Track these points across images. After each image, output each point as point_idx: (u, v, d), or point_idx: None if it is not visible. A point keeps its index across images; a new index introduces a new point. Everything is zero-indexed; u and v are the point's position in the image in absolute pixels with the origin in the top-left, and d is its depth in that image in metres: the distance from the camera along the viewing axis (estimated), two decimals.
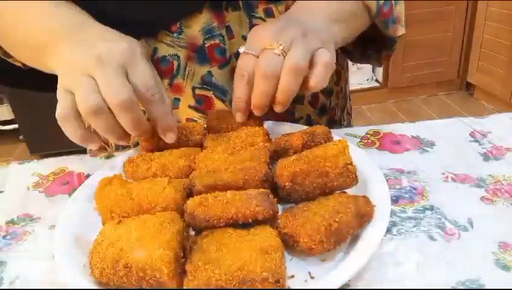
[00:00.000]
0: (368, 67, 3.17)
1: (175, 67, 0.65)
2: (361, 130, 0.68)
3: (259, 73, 0.50)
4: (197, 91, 0.67)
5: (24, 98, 2.47)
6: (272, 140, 0.58)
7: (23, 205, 0.58)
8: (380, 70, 3.13)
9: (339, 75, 0.78)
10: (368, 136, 0.67)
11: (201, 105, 0.67)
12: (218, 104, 0.67)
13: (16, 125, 2.74)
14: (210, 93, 0.67)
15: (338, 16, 0.59)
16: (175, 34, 0.64)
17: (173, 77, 0.66)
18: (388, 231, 0.46)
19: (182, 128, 0.58)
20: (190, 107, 0.68)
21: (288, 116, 0.70)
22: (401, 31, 0.69)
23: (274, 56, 0.50)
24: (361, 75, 3.15)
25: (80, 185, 0.55)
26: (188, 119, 0.69)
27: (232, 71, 0.62)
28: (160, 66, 0.65)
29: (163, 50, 0.65)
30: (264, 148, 0.53)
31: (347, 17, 0.61)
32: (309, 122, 0.73)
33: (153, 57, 0.65)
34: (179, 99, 0.68)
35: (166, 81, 0.66)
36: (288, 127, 0.62)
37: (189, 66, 0.66)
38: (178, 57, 0.65)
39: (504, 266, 0.41)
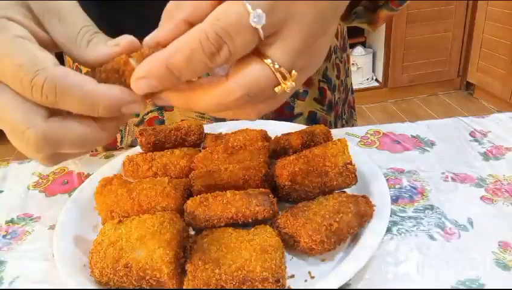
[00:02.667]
0: (368, 66, 3.17)
1: None
2: (361, 130, 0.68)
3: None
4: None
5: None
6: (271, 139, 0.58)
7: (23, 204, 0.58)
8: (380, 70, 3.13)
9: (338, 67, 0.77)
10: (368, 135, 0.67)
11: None
12: None
13: None
14: None
15: None
16: None
17: None
18: (388, 230, 0.46)
19: (179, 128, 0.58)
20: None
21: (286, 111, 0.69)
22: None
23: (268, 75, 0.31)
24: (361, 75, 3.15)
25: (79, 184, 0.55)
26: (183, 120, 0.68)
27: None
28: None
29: None
30: (263, 148, 0.53)
31: None
32: (314, 119, 0.72)
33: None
34: None
35: None
36: (287, 127, 0.62)
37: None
38: None
39: (504, 266, 0.41)
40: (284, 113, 0.69)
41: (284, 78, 0.31)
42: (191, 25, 0.30)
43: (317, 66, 0.35)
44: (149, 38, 0.31)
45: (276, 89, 0.31)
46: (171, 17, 0.31)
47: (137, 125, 0.70)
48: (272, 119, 0.69)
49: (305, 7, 0.30)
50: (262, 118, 0.68)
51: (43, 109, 0.30)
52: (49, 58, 0.29)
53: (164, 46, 0.30)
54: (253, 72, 0.30)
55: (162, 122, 0.69)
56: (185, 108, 0.30)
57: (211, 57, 0.28)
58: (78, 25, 0.31)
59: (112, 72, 0.31)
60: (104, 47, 0.31)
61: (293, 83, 0.31)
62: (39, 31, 0.31)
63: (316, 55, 0.34)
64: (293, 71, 0.31)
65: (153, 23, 0.33)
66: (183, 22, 0.30)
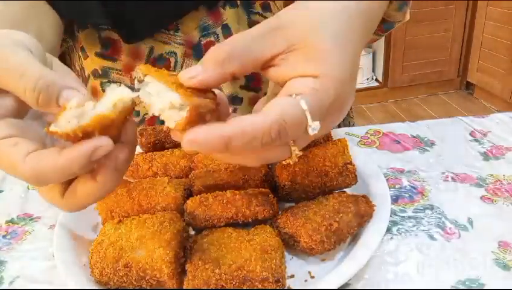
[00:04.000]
0: (368, 67, 3.17)
1: (172, 64, 0.65)
2: (361, 130, 0.68)
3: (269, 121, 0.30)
4: None
5: None
6: None
7: (23, 204, 0.58)
8: (380, 70, 3.13)
9: None
10: (368, 135, 0.67)
11: None
12: None
13: None
14: None
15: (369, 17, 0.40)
16: (171, 32, 0.63)
17: None
18: (388, 230, 0.46)
19: None
20: None
21: None
22: (407, 16, 0.59)
23: (299, 112, 0.31)
24: (361, 75, 3.14)
25: None
26: None
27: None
28: (158, 65, 0.65)
29: (159, 48, 0.65)
30: None
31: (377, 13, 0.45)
32: None
33: (149, 56, 0.65)
34: None
35: None
36: None
37: (187, 62, 0.65)
38: (175, 54, 0.65)
39: (504, 266, 0.41)
40: None
41: (295, 157, 0.33)
42: (233, 77, 0.32)
43: (340, 120, 0.37)
44: (190, 76, 0.31)
45: (284, 162, 0.33)
46: (219, 65, 0.31)
47: (137, 124, 0.70)
48: None
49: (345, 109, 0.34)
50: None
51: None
52: (17, 153, 0.30)
53: (195, 87, 0.31)
54: (288, 106, 0.30)
55: (163, 121, 0.69)
56: (220, 152, 0.32)
57: (264, 145, 0.30)
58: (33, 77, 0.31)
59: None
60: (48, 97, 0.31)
61: (315, 131, 0.32)
62: (4, 104, 0.32)
63: (342, 115, 0.36)
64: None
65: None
66: (230, 75, 0.32)
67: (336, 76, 0.32)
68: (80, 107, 0.31)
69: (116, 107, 0.31)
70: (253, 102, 0.69)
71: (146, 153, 0.57)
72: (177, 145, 0.58)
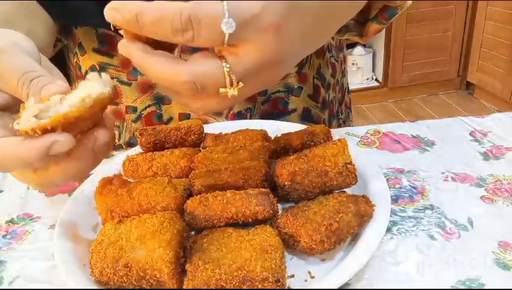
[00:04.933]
0: (368, 66, 3.17)
1: None
2: (361, 130, 0.68)
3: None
4: None
5: None
6: (271, 139, 0.58)
7: (23, 204, 0.58)
8: (380, 70, 3.13)
9: (334, 66, 0.77)
10: (368, 135, 0.67)
11: None
12: None
13: None
14: None
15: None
16: None
17: None
18: (388, 230, 0.46)
19: (179, 128, 0.58)
20: None
21: (281, 106, 0.70)
22: (409, 1, 0.57)
23: (218, 73, 0.32)
24: (361, 75, 3.15)
25: (79, 184, 0.55)
26: (181, 114, 0.68)
27: None
28: None
29: None
30: (263, 148, 0.53)
31: None
32: (308, 116, 0.72)
33: None
34: None
35: None
36: (287, 126, 0.62)
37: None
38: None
39: (504, 266, 0.41)
40: (278, 108, 0.70)
41: (231, 84, 0.32)
42: None
43: (266, 88, 0.37)
44: None
45: (221, 90, 0.33)
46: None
47: (134, 121, 0.70)
48: (266, 114, 0.69)
49: (271, 38, 0.32)
50: (261, 117, 0.69)
51: None
52: None
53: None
54: (207, 64, 0.32)
55: (160, 116, 0.69)
56: (137, 65, 0.33)
57: (174, 32, 0.30)
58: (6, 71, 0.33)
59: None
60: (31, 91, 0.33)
61: (236, 92, 0.33)
62: None
63: (266, 79, 0.36)
64: (240, 83, 0.33)
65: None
66: None
67: None
68: (44, 101, 0.31)
69: (85, 102, 0.31)
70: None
71: (146, 153, 0.57)
72: (177, 145, 0.58)
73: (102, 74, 0.33)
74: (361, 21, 0.61)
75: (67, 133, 0.31)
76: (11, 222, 0.55)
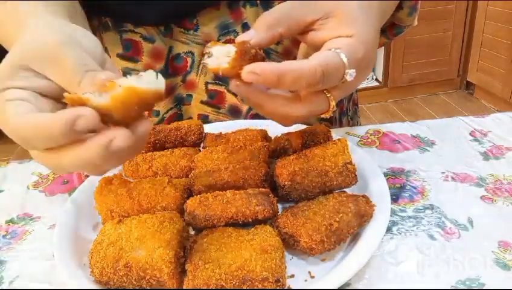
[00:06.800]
0: None
1: (189, 64, 0.67)
2: (361, 130, 0.68)
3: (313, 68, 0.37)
4: (210, 86, 0.68)
5: None
6: (271, 139, 0.58)
7: (22, 204, 0.58)
8: (380, 70, 3.13)
9: None
10: (368, 135, 0.67)
11: (213, 100, 0.69)
12: (230, 98, 0.68)
13: None
14: (222, 88, 0.68)
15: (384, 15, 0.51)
16: (190, 31, 0.65)
17: (187, 73, 0.68)
18: (388, 230, 0.46)
19: (179, 128, 0.58)
20: (202, 102, 0.69)
21: None
22: (415, 21, 0.65)
23: (340, 61, 0.38)
24: None
25: (79, 184, 0.55)
26: (199, 115, 0.70)
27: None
28: (175, 64, 0.67)
29: (178, 48, 0.66)
30: (263, 148, 0.53)
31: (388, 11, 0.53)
32: None
33: (168, 55, 0.66)
34: (191, 96, 0.69)
35: (179, 78, 0.68)
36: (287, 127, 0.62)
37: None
38: (192, 53, 0.66)
39: (504, 265, 0.41)
40: None
41: (332, 109, 0.40)
42: (280, 37, 0.40)
43: (367, 75, 0.46)
44: (247, 37, 0.39)
45: (323, 115, 0.41)
46: (269, 28, 0.39)
47: (157, 124, 0.71)
48: None
49: (368, 71, 0.43)
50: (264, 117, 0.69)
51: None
52: (22, 110, 0.33)
53: (241, 50, 0.37)
54: (320, 102, 0.40)
55: (180, 116, 0.71)
56: (255, 105, 0.40)
57: (308, 86, 0.36)
58: (69, 67, 0.34)
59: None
60: (88, 85, 0.33)
61: (331, 114, 0.41)
62: (40, 83, 0.35)
63: (368, 71, 0.44)
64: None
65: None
66: (278, 35, 0.40)
67: (364, 37, 0.39)
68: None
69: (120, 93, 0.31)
70: None
71: (146, 153, 0.57)
72: (177, 145, 0.58)
73: (159, 74, 0.32)
74: None
75: (94, 111, 0.31)
76: (11, 222, 0.55)
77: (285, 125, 0.44)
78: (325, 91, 0.40)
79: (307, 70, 0.36)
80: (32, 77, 0.35)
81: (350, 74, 0.38)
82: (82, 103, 0.31)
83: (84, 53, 0.35)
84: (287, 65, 0.36)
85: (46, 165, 0.35)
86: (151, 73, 0.31)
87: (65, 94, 0.32)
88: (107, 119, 0.31)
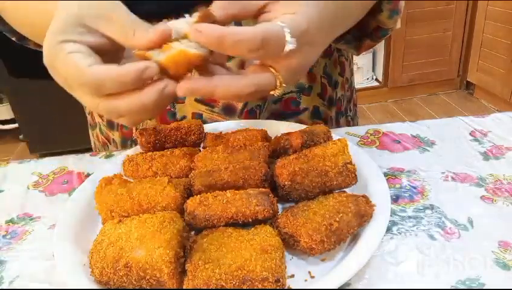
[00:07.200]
0: (368, 66, 3.17)
1: None
2: (361, 130, 0.68)
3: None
4: None
5: (24, 98, 2.47)
6: (271, 139, 0.58)
7: (22, 204, 0.58)
8: (380, 70, 3.13)
9: (343, 66, 0.79)
10: (368, 135, 0.67)
11: (207, 98, 0.68)
12: None
13: (16, 125, 2.74)
14: None
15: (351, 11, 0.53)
16: None
17: None
18: (388, 230, 0.46)
19: (179, 128, 0.58)
20: (196, 100, 0.69)
21: (293, 106, 0.71)
22: (398, 24, 0.68)
23: (273, 82, 0.42)
24: (361, 75, 3.14)
25: (79, 184, 0.55)
26: (194, 114, 0.69)
27: (240, 64, 0.63)
28: None
29: None
30: (263, 148, 0.53)
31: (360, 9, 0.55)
32: (317, 113, 0.74)
33: None
34: None
35: None
36: (287, 126, 0.62)
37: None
38: None
39: (504, 265, 0.41)
40: (290, 108, 0.71)
41: (279, 86, 0.42)
42: (234, 18, 0.42)
43: (309, 61, 0.46)
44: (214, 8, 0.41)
45: (272, 92, 0.43)
46: (224, 9, 0.42)
47: (150, 119, 0.71)
48: (277, 113, 0.70)
49: (312, 48, 0.44)
50: (272, 116, 0.71)
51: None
52: (86, 61, 0.38)
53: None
54: (265, 77, 0.41)
55: (174, 114, 0.71)
56: (207, 96, 0.44)
57: (249, 51, 0.38)
58: (123, 22, 0.40)
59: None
60: (143, 36, 0.39)
61: (280, 92, 0.43)
62: (92, 39, 0.40)
63: (299, 77, 0.48)
64: (283, 84, 0.42)
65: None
66: (231, 16, 0.42)
67: (307, 15, 0.41)
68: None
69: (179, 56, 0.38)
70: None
71: (146, 153, 0.57)
72: (177, 145, 0.58)
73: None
74: (357, 36, 0.68)
75: (156, 64, 0.38)
76: (11, 222, 0.55)
77: (240, 102, 0.50)
78: (270, 67, 0.42)
79: (246, 35, 0.37)
80: (86, 33, 0.40)
81: (291, 43, 0.39)
82: (146, 58, 0.39)
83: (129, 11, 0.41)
84: (229, 28, 0.37)
85: (102, 111, 0.40)
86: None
87: (134, 51, 0.40)
88: (162, 73, 0.39)
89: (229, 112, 0.69)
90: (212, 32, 0.37)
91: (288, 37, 0.39)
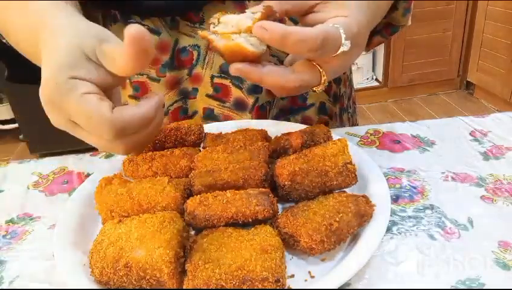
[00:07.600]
0: (368, 66, 3.17)
1: (195, 57, 0.67)
2: (361, 130, 0.68)
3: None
4: (215, 80, 0.68)
5: (24, 98, 2.46)
6: (271, 139, 0.58)
7: (22, 204, 0.58)
8: (380, 70, 3.13)
9: None
10: (368, 135, 0.67)
11: (219, 93, 0.69)
12: (235, 92, 0.69)
13: (16, 125, 2.74)
14: (227, 82, 0.68)
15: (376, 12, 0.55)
16: (197, 24, 0.65)
17: (192, 66, 0.68)
18: (388, 230, 0.46)
19: (179, 128, 0.58)
20: (207, 95, 0.69)
21: (300, 101, 0.72)
22: (410, 21, 0.70)
23: (318, 80, 0.45)
24: (361, 75, 3.15)
25: (79, 184, 0.55)
26: (205, 109, 0.70)
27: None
28: (180, 57, 0.67)
29: (184, 41, 0.66)
30: (263, 148, 0.53)
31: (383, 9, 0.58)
32: (323, 109, 0.74)
33: (174, 48, 0.67)
34: (196, 89, 0.69)
35: (185, 71, 0.68)
36: (287, 126, 0.62)
37: (209, 55, 0.67)
38: (198, 47, 0.67)
39: (504, 265, 0.41)
40: (297, 103, 0.72)
41: (323, 84, 0.46)
42: (286, 13, 0.46)
43: (358, 55, 0.48)
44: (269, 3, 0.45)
45: (315, 88, 0.46)
46: (279, 4, 0.45)
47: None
48: (285, 108, 0.71)
49: (360, 49, 0.48)
50: (280, 111, 0.71)
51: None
52: (106, 106, 0.38)
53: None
54: (312, 74, 0.44)
55: (186, 110, 0.71)
56: (255, 81, 0.44)
57: (308, 50, 0.40)
58: (113, 54, 0.39)
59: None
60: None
61: (321, 88, 0.46)
62: (97, 76, 0.39)
63: (341, 73, 0.53)
64: (326, 81, 0.45)
65: None
66: (284, 11, 0.45)
67: (358, 18, 0.45)
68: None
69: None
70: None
71: (146, 153, 0.57)
72: (177, 145, 0.58)
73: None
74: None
75: (161, 93, 0.42)
76: (11, 222, 0.55)
77: (280, 95, 0.55)
78: (317, 66, 0.44)
79: (310, 35, 0.39)
80: (93, 69, 0.39)
81: (346, 45, 0.42)
82: (208, 40, 0.43)
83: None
84: (293, 28, 0.39)
85: (121, 150, 0.42)
86: (256, 39, 0.42)
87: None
88: (220, 55, 0.43)
89: (240, 107, 0.69)
90: (276, 30, 0.39)
91: (343, 39, 0.42)
